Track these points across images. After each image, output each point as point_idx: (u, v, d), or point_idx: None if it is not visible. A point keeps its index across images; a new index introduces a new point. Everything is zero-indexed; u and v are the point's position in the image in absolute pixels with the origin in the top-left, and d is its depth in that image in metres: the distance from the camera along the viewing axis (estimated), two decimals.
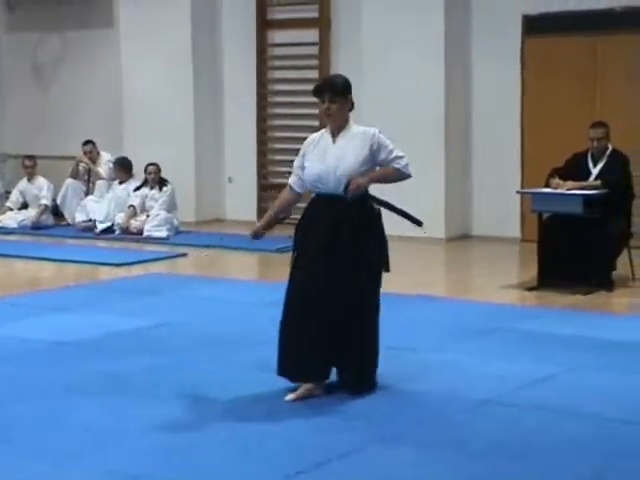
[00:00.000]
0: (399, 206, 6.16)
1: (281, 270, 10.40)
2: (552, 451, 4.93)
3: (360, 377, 5.87)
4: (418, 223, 6.23)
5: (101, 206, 12.90)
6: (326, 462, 4.78)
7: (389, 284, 8.87)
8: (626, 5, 11.20)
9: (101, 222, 12.76)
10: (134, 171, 13.20)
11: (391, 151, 5.97)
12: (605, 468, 4.72)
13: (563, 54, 11.56)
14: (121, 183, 13.13)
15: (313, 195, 5.98)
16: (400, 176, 6.07)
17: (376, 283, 5.93)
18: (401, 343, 6.85)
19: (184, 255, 11.26)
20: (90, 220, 12.92)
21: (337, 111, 5.87)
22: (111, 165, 13.38)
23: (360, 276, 5.80)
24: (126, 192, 12.98)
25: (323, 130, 6.05)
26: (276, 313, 7.99)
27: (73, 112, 14.81)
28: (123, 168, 13.13)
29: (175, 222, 12.66)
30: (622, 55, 11.28)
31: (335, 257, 5.76)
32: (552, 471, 4.68)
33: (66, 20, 14.81)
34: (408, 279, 9.46)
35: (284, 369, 5.86)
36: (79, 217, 13.08)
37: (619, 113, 10.95)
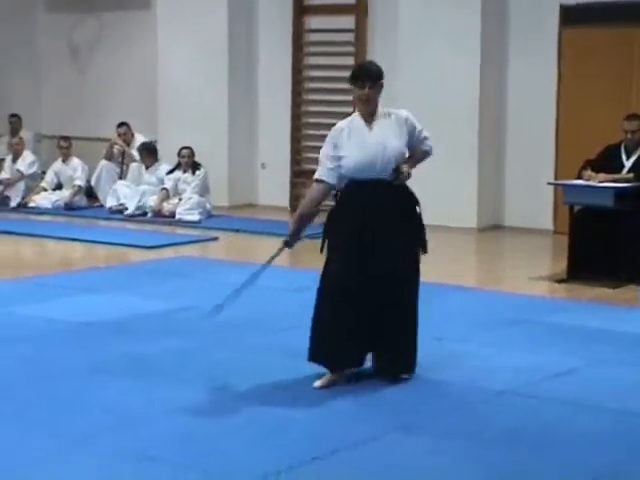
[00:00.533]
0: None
1: (310, 256, 10.41)
2: (570, 443, 4.92)
3: (399, 363, 5.88)
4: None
5: (133, 193, 12.93)
6: (343, 449, 4.79)
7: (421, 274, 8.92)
8: None
9: (132, 210, 12.78)
10: (162, 155, 13.26)
11: (420, 131, 6.07)
12: (622, 461, 4.70)
13: (600, 45, 11.46)
14: (147, 168, 13.17)
15: (347, 182, 5.93)
16: (427, 157, 6.17)
17: (417, 268, 5.97)
18: (428, 332, 6.80)
19: (215, 239, 11.29)
20: (121, 205, 12.97)
21: (373, 97, 5.90)
22: None
23: (403, 261, 5.83)
24: (154, 177, 13.03)
25: (350, 118, 6.03)
26: (304, 298, 8.02)
27: (108, 94, 14.88)
28: (148, 153, 13.18)
29: (207, 206, 12.69)
30: None
31: (377, 243, 5.77)
32: (569, 463, 4.66)
33: (103, 1, 14.87)
34: (438, 269, 9.42)
35: (319, 356, 5.86)
36: (110, 201, 13.13)
37: None
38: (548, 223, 11.85)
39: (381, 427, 5.13)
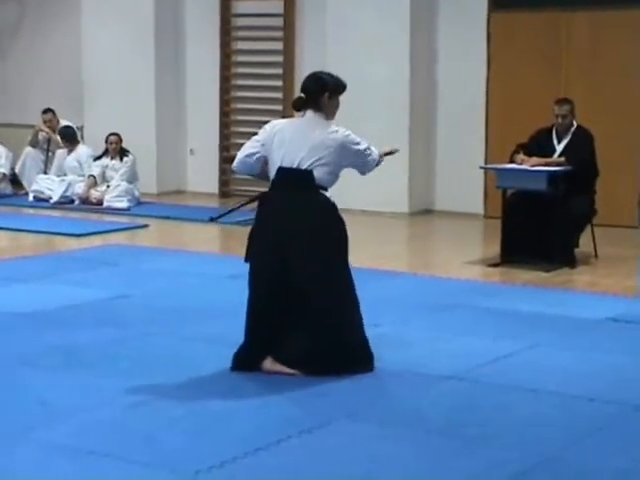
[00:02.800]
0: None
1: (242, 243, 10.32)
2: (514, 429, 4.89)
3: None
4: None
5: (57, 184, 12.69)
6: (286, 438, 4.71)
7: (351, 258, 8.87)
8: None
9: (57, 198, 12.55)
10: (88, 142, 13.10)
11: None
12: (568, 445, 4.68)
13: (529, 30, 11.52)
14: (70, 152, 12.96)
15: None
16: None
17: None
18: (363, 318, 6.78)
19: (145, 226, 11.15)
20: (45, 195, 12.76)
21: None
22: None
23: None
24: (76, 161, 12.83)
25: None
26: (236, 285, 7.94)
27: (32, 80, 14.61)
28: (66, 137, 12.98)
29: (136, 193, 12.52)
30: (588, 31, 11.25)
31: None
32: (514, 448, 4.63)
33: None
34: (370, 253, 9.41)
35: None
36: (34, 192, 12.87)
37: (585, 89, 10.94)
38: (479, 207, 11.88)
39: (325, 415, 5.06)
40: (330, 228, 5.76)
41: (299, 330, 5.72)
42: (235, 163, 6.07)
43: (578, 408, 5.20)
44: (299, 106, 5.90)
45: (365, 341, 5.83)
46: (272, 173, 5.83)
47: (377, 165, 6.04)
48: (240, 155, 6.01)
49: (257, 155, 5.92)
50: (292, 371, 5.69)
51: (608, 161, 9.88)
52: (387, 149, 6.22)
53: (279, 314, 5.72)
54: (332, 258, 5.75)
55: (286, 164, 5.74)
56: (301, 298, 5.68)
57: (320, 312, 5.70)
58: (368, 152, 5.90)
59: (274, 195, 5.81)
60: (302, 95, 5.88)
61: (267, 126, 5.98)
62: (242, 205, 6.22)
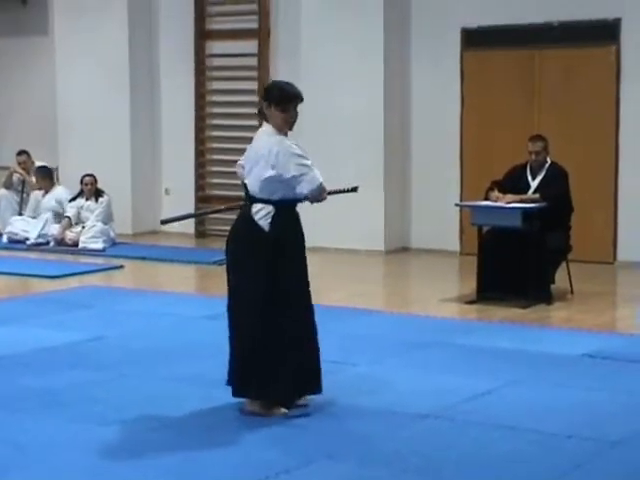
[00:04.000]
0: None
1: (219, 282, 10.29)
2: (493, 466, 4.88)
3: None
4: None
5: (32, 225, 12.65)
6: (266, 479, 4.68)
7: (326, 296, 8.88)
8: (563, 20, 11.25)
9: (34, 239, 12.51)
10: (64, 182, 13.08)
11: None
12: None
13: (502, 67, 11.60)
14: (46, 193, 12.93)
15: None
16: None
17: None
18: (339, 357, 6.79)
19: (121, 267, 11.10)
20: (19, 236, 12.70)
21: None
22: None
23: None
24: (53, 200, 12.80)
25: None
26: (213, 326, 7.92)
27: (6, 121, 14.59)
28: (43, 176, 12.97)
29: (111, 234, 12.49)
30: (560, 68, 11.34)
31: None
32: None
33: None
34: (346, 291, 9.40)
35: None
36: (8, 234, 12.81)
37: (558, 125, 11.00)
38: (455, 244, 11.89)
39: (306, 455, 5.03)
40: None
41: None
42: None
43: (556, 445, 5.19)
44: (259, 119, 5.87)
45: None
46: None
47: (318, 194, 5.65)
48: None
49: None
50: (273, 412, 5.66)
51: (582, 197, 9.93)
52: (342, 187, 6.06)
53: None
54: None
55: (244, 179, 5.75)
56: None
57: None
58: (305, 170, 5.56)
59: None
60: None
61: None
62: (206, 213, 6.20)
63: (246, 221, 5.73)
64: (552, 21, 11.32)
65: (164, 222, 6.79)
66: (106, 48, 13.50)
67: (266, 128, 5.72)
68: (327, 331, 7.02)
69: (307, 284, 5.73)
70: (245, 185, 5.77)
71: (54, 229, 12.52)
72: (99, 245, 12.18)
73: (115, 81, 13.52)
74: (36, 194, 13.10)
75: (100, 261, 11.54)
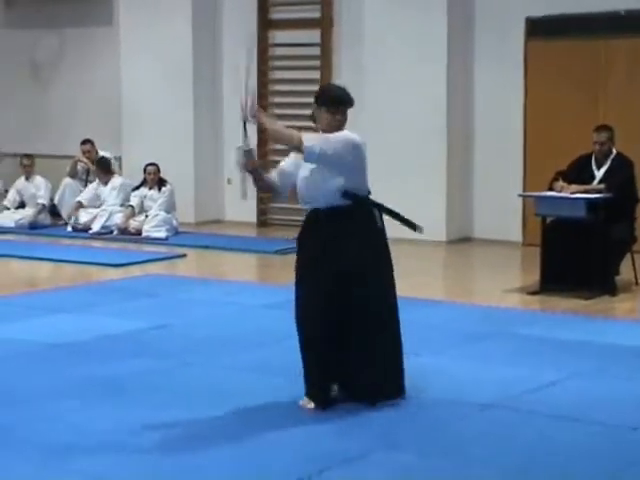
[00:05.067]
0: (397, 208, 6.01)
1: (281, 272, 10.34)
2: (557, 458, 4.84)
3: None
4: (414, 227, 6.02)
5: (97, 215, 12.79)
6: (327, 469, 4.68)
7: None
8: (631, 8, 11.11)
9: (98, 229, 12.63)
10: (127, 172, 13.20)
11: None
12: (613, 476, 4.62)
13: (566, 57, 11.47)
14: (106, 184, 13.03)
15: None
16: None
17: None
18: (404, 347, 6.76)
19: (183, 256, 11.17)
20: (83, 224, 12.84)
21: None
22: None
23: None
24: (115, 192, 12.90)
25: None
26: (274, 314, 7.95)
27: (71, 111, 14.71)
28: (101, 168, 13.06)
29: (174, 223, 12.56)
30: (626, 58, 11.20)
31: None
32: (557, 479, 4.58)
33: (64, 17, 14.69)
34: (408, 282, 9.32)
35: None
36: (71, 224, 12.96)
37: (623, 117, 10.86)
38: (517, 235, 11.81)
39: (367, 446, 5.02)
40: None
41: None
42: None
43: (621, 437, 5.14)
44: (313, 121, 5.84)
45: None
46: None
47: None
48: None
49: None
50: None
51: None
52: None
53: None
54: None
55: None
56: None
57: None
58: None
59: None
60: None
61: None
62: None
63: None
64: (619, 10, 11.17)
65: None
66: (170, 40, 13.55)
67: (314, 129, 5.75)
68: None
69: None
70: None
71: (118, 218, 12.62)
72: (162, 234, 12.26)
73: (178, 72, 13.58)
74: (91, 186, 13.18)
75: (163, 250, 11.61)
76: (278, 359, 6.53)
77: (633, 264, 9.28)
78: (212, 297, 8.87)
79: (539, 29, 11.64)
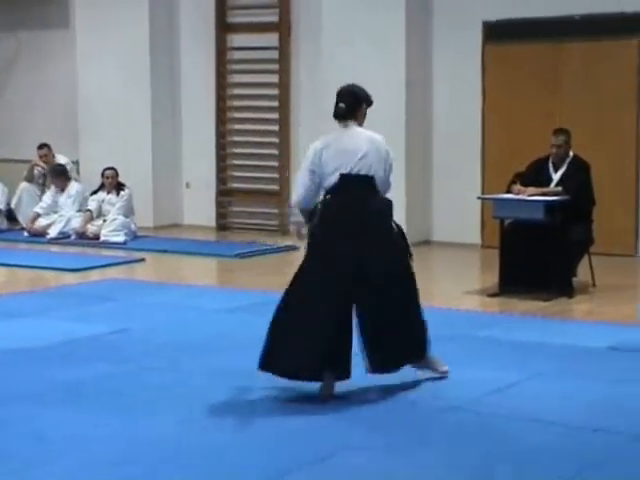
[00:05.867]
0: None
1: (241, 276, 10.31)
2: (519, 459, 4.87)
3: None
4: None
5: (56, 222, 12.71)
6: (289, 472, 4.69)
7: None
8: (585, 13, 11.21)
9: (55, 234, 12.55)
10: (84, 176, 13.12)
11: None
12: (575, 476, 4.66)
13: (524, 61, 11.56)
14: (63, 191, 12.95)
15: None
16: None
17: None
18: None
19: (142, 260, 11.12)
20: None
21: None
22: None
23: None
24: (71, 200, 12.83)
25: None
26: (235, 318, 7.94)
27: (28, 115, 14.61)
28: (56, 175, 12.98)
29: (132, 227, 12.51)
30: (581, 62, 11.30)
31: None
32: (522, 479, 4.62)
33: (20, 20, 14.59)
34: None
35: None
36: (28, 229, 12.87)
37: (579, 120, 10.96)
38: (476, 237, 11.87)
39: (329, 446, 5.04)
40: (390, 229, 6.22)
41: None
42: (297, 201, 6.08)
43: (582, 438, 5.18)
44: (341, 116, 6.25)
45: None
46: (326, 183, 5.97)
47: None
48: (300, 192, 6.04)
49: (315, 183, 6.03)
50: None
51: (605, 190, 9.91)
52: None
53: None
54: (395, 258, 6.13)
55: (345, 171, 5.95)
56: None
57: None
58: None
59: (340, 198, 5.95)
60: (342, 105, 6.25)
61: (309, 153, 6.11)
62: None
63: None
64: (574, 14, 11.27)
65: None
66: (127, 42, 13.51)
67: (354, 126, 6.32)
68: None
69: None
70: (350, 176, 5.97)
71: (75, 222, 12.55)
72: (120, 238, 12.21)
73: (136, 75, 13.53)
74: (49, 193, 13.09)
75: (121, 254, 11.55)
76: (238, 363, 6.53)
77: (590, 266, 9.36)
78: (172, 301, 8.84)
79: (496, 33, 11.72)
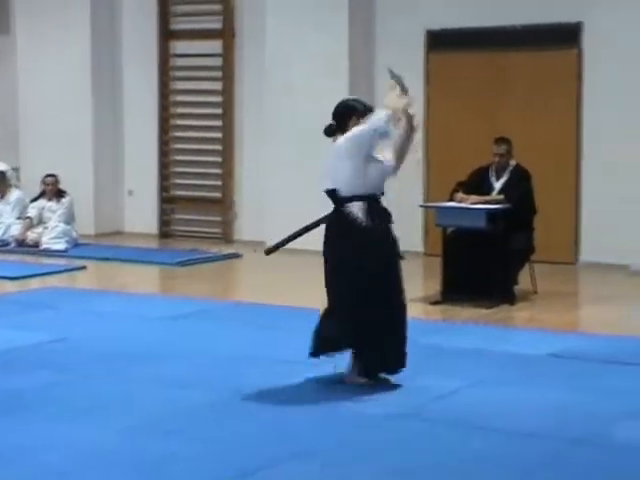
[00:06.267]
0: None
1: (183, 283, 10.26)
2: (460, 466, 4.89)
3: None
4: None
5: None
6: None
7: (291, 298, 8.88)
8: (525, 23, 11.32)
9: None
10: (25, 183, 12.98)
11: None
12: None
13: (466, 70, 11.64)
14: (2, 198, 12.81)
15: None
16: None
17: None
18: (304, 357, 6.79)
19: (83, 268, 11.03)
20: None
21: None
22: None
23: None
24: (9, 206, 12.69)
25: None
26: (177, 326, 7.91)
27: None
28: None
29: (74, 234, 12.40)
30: (523, 71, 11.40)
31: None
32: None
33: None
34: (311, 293, 9.37)
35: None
36: None
37: (521, 129, 11.05)
38: (419, 245, 11.92)
39: (272, 457, 5.02)
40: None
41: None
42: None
43: (522, 444, 5.21)
44: (329, 133, 6.36)
45: None
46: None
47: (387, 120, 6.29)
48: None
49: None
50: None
51: (546, 198, 9.99)
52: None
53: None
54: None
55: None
56: None
57: None
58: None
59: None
60: (333, 122, 6.34)
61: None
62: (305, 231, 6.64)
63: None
64: (515, 24, 11.38)
65: (268, 252, 7.02)
66: (68, 48, 13.41)
67: None
68: (292, 332, 7.04)
69: None
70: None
71: (15, 230, 12.42)
72: (61, 246, 12.09)
73: (77, 81, 13.44)
74: None
75: (62, 262, 11.45)
76: (180, 371, 6.50)
77: (532, 274, 9.44)
78: (113, 309, 8.77)
79: (439, 42, 11.79)
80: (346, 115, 6.33)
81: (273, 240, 12.18)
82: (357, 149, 6.15)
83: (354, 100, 6.52)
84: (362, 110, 6.34)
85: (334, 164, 6.23)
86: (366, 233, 6.24)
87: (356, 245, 6.20)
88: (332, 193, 6.28)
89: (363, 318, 6.16)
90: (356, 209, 6.26)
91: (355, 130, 6.18)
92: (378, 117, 6.21)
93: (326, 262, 6.33)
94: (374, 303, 6.19)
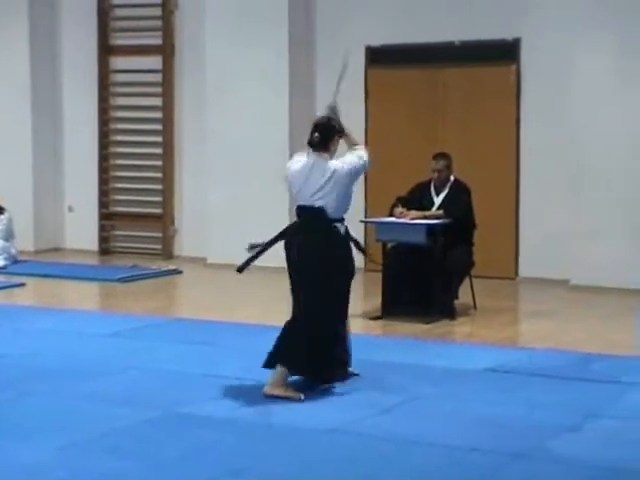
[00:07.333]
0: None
1: (122, 300, 10.18)
2: None
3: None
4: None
5: None
6: None
7: (239, 314, 8.87)
8: (464, 39, 11.42)
9: None
10: None
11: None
12: None
13: (406, 85, 11.72)
14: None
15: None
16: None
17: None
18: (245, 373, 6.79)
19: (22, 285, 10.92)
20: None
21: None
22: None
23: None
24: None
25: None
26: (117, 344, 7.85)
27: None
28: None
29: (13, 251, 12.29)
30: (461, 87, 11.50)
31: None
32: None
33: None
34: (258, 309, 9.39)
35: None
36: None
37: (460, 143, 11.14)
38: (359, 261, 11.89)
39: (210, 473, 4.99)
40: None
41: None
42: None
43: (460, 458, 5.24)
44: (314, 145, 6.59)
45: None
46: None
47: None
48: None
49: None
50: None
51: (485, 213, 10.06)
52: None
53: None
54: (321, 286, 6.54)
55: (301, 202, 6.60)
56: None
57: None
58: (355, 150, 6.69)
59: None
60: (317, 135, 6.59)
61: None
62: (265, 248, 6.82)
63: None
64: (454, 40, 11.48)
65: (240, 270, 7.14)
66: (7, 62, 13.32)
67: (319, 156, 6.58)
68: (229, 348, 7.02)
69: None
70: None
71: None
72: (0, 263, 11.98)
73: (17, 96, 13.34)
74: None
75: (1, 279, 11.33)
76: (119, 388, 6.46)
77: (472, 288, 9.50)
78: (52, 327, 8.70)
79: (379, 58, 11.86)
80: (334, 133, 6.66)
81: (214, 256, 12.21)
82: (354, 180, 6.64)
83: (336, 119, 6.79)
84: (342, 131, 6.74)
85: (323, 185, 6.50)
86: (348, 250, 6.73)
87: (339, 260, 6.65)
88: (318, 211, 6.51)
89: (325, 329, 6.54)
90: (343, 229, 6.67)
91: (354, 163, 6.58)
92: (366, 154, 6.73)
93: (299, 273, 6.60)
94: (339, 315, 6.74)
